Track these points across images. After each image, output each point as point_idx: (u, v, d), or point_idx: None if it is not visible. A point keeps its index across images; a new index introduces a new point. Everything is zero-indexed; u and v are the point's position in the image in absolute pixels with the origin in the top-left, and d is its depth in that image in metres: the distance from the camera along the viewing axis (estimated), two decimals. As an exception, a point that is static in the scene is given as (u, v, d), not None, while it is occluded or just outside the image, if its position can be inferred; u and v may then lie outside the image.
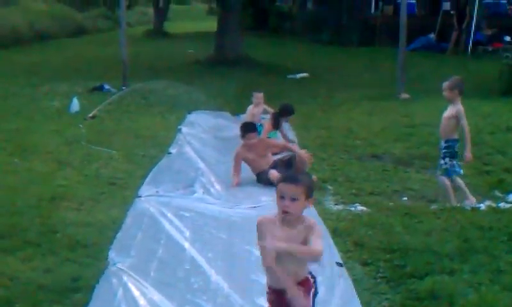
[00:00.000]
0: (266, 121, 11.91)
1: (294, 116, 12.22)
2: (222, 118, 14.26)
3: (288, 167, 9.49)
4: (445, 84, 8.65)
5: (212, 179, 9.48)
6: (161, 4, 41.27)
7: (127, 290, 5.60)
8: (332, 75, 20.43)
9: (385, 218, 7.75)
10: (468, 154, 8.53)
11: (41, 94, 16.86)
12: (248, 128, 9.92)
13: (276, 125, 11.69)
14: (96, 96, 16.19)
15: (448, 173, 8.62)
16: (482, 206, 8.35)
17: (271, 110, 12.35)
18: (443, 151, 8.66)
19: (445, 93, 8.64)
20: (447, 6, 28.26)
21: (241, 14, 25.80)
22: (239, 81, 19.44)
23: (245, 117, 12.46)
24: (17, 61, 24.47)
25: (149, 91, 16.58)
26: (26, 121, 13.31)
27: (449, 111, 8.65)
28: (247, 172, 10.27)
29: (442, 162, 8.65)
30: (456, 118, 8.57)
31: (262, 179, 9.67)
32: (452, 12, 27.24)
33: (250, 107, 12.74)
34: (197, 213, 7.96)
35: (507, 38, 25.58)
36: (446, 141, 8.65)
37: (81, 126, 12.81)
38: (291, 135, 12.37)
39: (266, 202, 8.54)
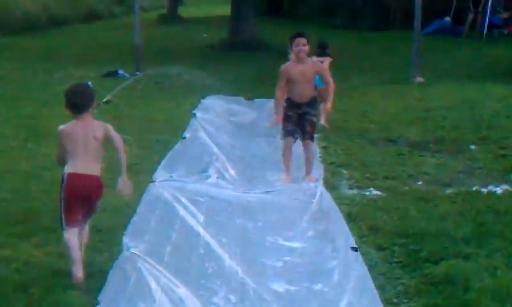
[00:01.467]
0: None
1: None
2: (236, 102, 14.21)
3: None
4: None
5: (227, 164, 9.46)
6: (175, -12, 41.19)
7: (140, 275, 5.59)
8: (347, 58, 20.29)
9: (400, 202, 7.71)
10: None
11: (55, 80, 16.85)
12: (297, 34, 9.02)
13: None
14: (110, 82, 16.19)
15: None
16: (498, 190, 8.29)
17: None
18: None
19: None
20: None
21: (255, -2, 25.70)
22: (253, 66, 19.41)
23: None
24: (30, 47, 24.47)
25: (163, 76, 16.56)
26: (40, 107, 13.32)
27: None
28: (262, 153, 10.26)
29: None
30: None
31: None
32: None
33: None
34: (211, 198, 7.94)
35: (523, 22, 25.39)
36: None
37: (95, 111, 12.77)
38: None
39: (281, 186, 8.54)
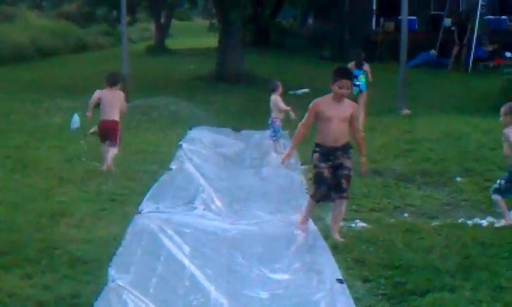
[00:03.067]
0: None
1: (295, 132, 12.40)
2: (223, 134, 14.25)
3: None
4: (502, 109, 8.69)
5: (213, 195, 9.46)
6: (163, 20, 41.34)
7: (126, 307, 5.58)
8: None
9: (386, 234, 7.72)
10: None
11: (43, 111, 16.86)
12: (345, 73, 8.06)
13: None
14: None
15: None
16: (484, 222, 8.32)
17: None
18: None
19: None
20: (447, 22, 28.28)
21: (242, 30, 25.82)
22: (239, 97, 19.46)
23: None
24: (19, 78, 24.47)
25: (150, 107, 16.58)
26: (27, 137, 13.30)
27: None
28: (249, 184, 10.27)
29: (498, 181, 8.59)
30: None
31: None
32: (452, 28, 27.26)
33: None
34: (197, 229, 7.93)
35: (508, 54, 25.60)
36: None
37: (82, 142, 12.80)
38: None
39: (267, 218, 8.55)
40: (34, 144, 12.63)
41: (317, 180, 7.68)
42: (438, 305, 5.72)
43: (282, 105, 12.20)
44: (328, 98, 7.76)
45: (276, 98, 12.24)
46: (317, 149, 7.72)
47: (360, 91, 14.67)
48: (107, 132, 10.82)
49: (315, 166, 7.69)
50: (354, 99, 12.20)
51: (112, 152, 10.69)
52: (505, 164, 10.69)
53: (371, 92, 20.03)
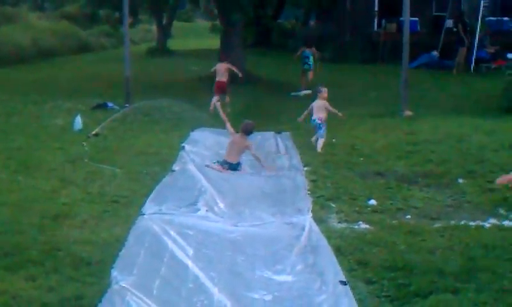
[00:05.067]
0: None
1: (297, 133, 12.67)
2: (225, 135, 14.21)
3: None
4: None
5: (215, 197, 9.46)
6: (164, 21, 41.40)
7: (129, 308, 5.59)
8: (335, 92, 20.29)
9: (389, 236, 7.74)
10: None
11: (45, 112, 16.88)
12: None
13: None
14: (100, 114, 16.22)
15: None
16: (486, 224, 8.33)
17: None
18: None
19: None
20: (449, 23, 28.26)
21: (244, 31, 25.83)
22: (241, 98, 19.45)
23: None
24: (21, 79, 24.53)
25: (152, 109, 16.60)
26: (29, 139, 13.32)
27: None
28: (252, 183, 10.29)
29: None
30: None
31: None
32: (454, 29, 27.24)
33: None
34: (200, 231, 7.93)
35: (510, 56, 25.57)
36: None
37: (84, 144, 12.82)
38: (294, 151, 12.45)
39: (269, 219, 8.56)
40: (36, 146, 12.65)
41: None
42: (441, 307, 5.73)
43: (331, 108, 13.27)
44: None
45: (325, 102, 13.25)
46: None
47: (310, 68, 21.32)
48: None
49: None
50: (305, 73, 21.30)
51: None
52: (507, 166, 10.74)
53: (373, 94, 20.15)
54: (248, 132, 11.60)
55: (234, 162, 11.33)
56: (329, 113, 13.27)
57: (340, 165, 11.45)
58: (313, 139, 13.03)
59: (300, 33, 36.20)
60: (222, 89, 17.58)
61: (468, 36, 25.72)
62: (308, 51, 21.32)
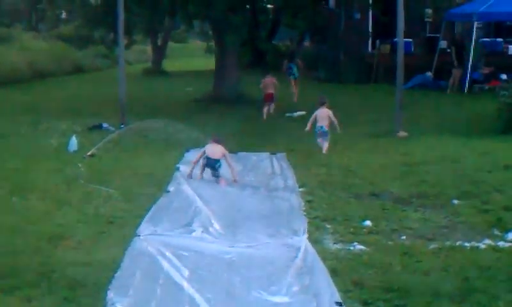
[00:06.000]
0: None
1: (292, 154, 12.66)
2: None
3: None
4: None
5: (211, 217, 9.47)
6: (159, 42, 41.52)
7: (125, 330, 5.58)
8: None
9: (384, 257, 7.74)
10: None
11: (40, 133, 16.89)
12: None
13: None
14: (95, 135, 16.24)
15: None
16: (482, 245, 8.34)
17: None
18: None
19: None
20: (443, 44, 28.41)
21: (239, 52, 25.94)
22: (236, 119, 19.51)
23: None
24: (16, 100, 24.55)
25: (147, 130, 16.61)
26: (25, 160, 13.31)
27: None
28: (248, 204, 10.31)
29: None
30: None
31: None
32: (448, 50, 27.38)
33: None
34: (196, 252, 7.95)
35: (504, 76, 25.66)
36: None
37: (80, 165, 12.82)
38: (290, 172, 12.48)
39: (265, 240, 8.56)
40: (31, 167, 12.64)
41: None
42: (437, 328, 5.73)
43: (333, 118, 14.65)
44: None
45: (328, 111, 14.73)
46: None
47: (295, 77, 24.90)
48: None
49: None
50: (293, 82, 24.75)
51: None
52: (502, 187, 10.77)
53: (368, 115, 20.22)
54: (218, 142, 12.27)
55: (215, 157, 11.97)
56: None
57: (335, 186, 11.46)
58: (319, 140, 14.50)
59: (295, 54, 36.28)
60: (271, 99, 20.83)
61: (463, 57, 25.86)
62: (291, 64, 25.23)
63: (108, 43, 36.78)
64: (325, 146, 14.31)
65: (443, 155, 13.66)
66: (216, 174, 11.92)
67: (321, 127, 14.48)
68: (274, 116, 20.43)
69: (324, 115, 14.59)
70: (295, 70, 25.06)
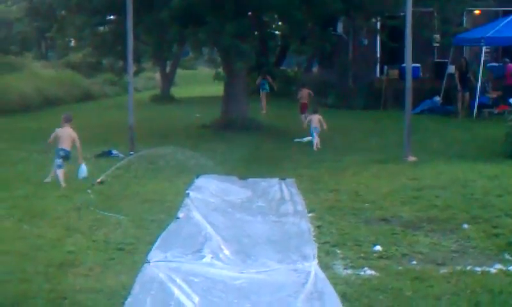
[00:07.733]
0: None
1: (301, 180, 12.66)
2: (229, 182, 14.29)
3: None
4: None
5: (221, 243, 9.48)
6: (168, 69, 41.68)
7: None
8: (339, 138, 20.50)
9: (395, 282, 7.73)
10: None
11: (49, 160, 16.90)
12: None
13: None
14: (104, 162, 16.28)
15: None
16: (492, 269, 8.32)
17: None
18: None
19: None
20: (452, 69, 28.44)
21: (247, 78, 26.04)
22: (245, 145, 19.55)
23: None
24: (25, 127, 24.63)
25: (156, 156, 16.64)
26: (34, 187, 13.36)
27: None
28: (258, 230, 10.31)
29: None
30: None
31: None
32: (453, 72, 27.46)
33: None
34: (206, 278, 7.95)
35: (512, 101, 25.68)
36: None
37: (89, 191, 12.85)
38: (299, 198, 12.49)
39: (275, 266, 8.56)
40: (41, 194, 12.68)
41: None
42: (449, 353, 5.71)
43: (323, 121, 19.48)
44: None
45: (319, 116, 19.68)
46: None
47: (267, 91, 30.29)
48: None
49: None
50: (264, 96, 30.24)
51: None
52: (512, 211, 10.73)
53: (377, 140, 20.23)
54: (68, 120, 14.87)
55: (68, 148, 14.13)
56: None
57: (345, 211, 11.46)
58: (315, 135, 19.32)
59: (304, 80, 36.43)
60: (306, 108, 23.76)
61: (467, 81, 25.94)
62: (264, 80, 30.51)
63: (117, 70, 36.89)
64: (316, 140, 19.20)
65: (452, 179, 13.65)
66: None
67: (315, 128, 19.42)
68: (283, 141, 20.46)
69: (316, 119, 19.59)
70: (266, 85, 30.47)
